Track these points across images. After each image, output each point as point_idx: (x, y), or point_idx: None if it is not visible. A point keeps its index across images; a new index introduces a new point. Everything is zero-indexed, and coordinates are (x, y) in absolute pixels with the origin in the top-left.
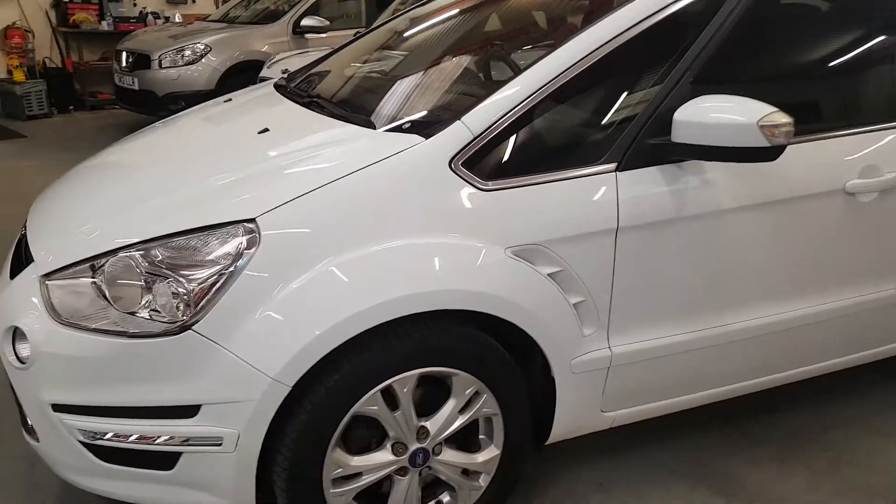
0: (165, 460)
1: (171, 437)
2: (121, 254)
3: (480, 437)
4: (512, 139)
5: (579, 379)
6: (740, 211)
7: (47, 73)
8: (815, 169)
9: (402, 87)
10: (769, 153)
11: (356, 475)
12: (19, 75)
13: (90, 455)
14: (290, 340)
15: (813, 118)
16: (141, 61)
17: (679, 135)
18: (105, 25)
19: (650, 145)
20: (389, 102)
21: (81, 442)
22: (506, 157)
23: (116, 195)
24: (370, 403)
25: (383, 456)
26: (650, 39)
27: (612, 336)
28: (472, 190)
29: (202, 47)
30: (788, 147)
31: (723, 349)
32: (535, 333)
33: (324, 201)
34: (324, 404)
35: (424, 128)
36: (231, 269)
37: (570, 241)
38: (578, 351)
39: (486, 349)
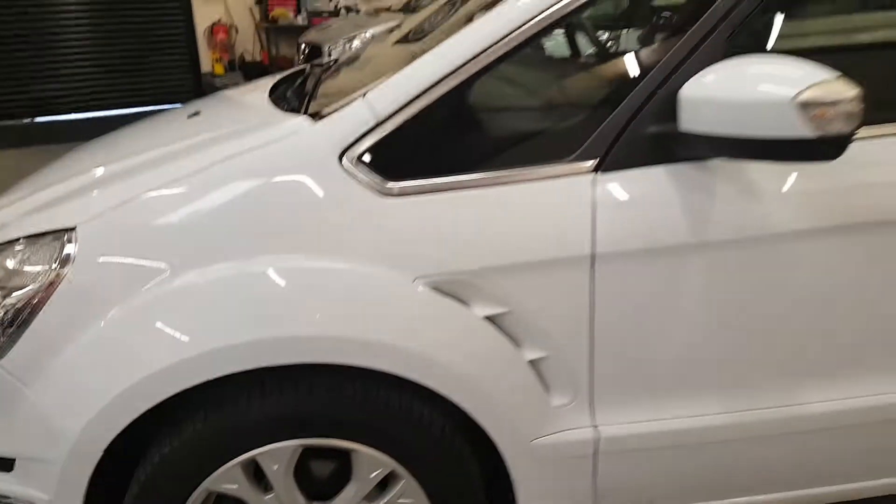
0: None
1: None
2: None
3: None
4: (435, 124)
5: (547, 467)
6: (806, 237)
7: (245, 66)
8: None
9: (350, 72)
10: (824, 148)
11: None
12: (219, 69)
13: None
14: (95, 393)
15: None
16: (314, 52)
17: (687, 119)
18: (300, 20)
19: (649, 136)
20: (326, 87)
21: None
22: (424, 150)
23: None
24: (226, 481)
25: None
26: None
27: (600, 410)
28: (369, 194)
29: (369, 37)
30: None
31: (782, 442)
32: (467, 402)
33: (162, 208)
34: (160, 476)
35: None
36: (41, 292)
37: (518, 270)
38: (544, 428)
39: (399, 417)
